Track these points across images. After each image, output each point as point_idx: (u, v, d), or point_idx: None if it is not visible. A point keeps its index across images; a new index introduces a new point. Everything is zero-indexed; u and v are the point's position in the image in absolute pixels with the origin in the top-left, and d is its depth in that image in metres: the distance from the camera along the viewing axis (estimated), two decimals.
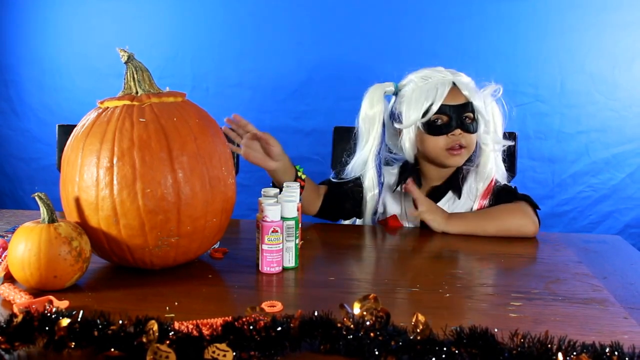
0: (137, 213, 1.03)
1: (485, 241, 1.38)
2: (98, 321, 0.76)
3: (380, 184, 1.55)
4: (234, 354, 0.73)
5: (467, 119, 1.46)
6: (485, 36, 2.39)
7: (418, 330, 0.75)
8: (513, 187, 1.52)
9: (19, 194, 2.79)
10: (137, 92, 1.13)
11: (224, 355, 0.72)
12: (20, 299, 0.96)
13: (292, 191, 1.22)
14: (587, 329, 0.89)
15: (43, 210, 1.02)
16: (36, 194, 1.03)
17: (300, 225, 1.23)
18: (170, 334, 0.74)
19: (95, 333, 0.75)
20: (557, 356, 0.70)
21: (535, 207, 1.45)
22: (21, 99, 2.73)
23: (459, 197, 1.52)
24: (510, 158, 1.70)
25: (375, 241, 1.45)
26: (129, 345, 0.74)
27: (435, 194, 1.54)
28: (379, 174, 1.54)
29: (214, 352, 0.72)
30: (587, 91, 2.37)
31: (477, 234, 1.41)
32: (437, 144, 1.47)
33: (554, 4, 2.34)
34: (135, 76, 1.13)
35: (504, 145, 1.53)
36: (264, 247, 1.11)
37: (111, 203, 1.03)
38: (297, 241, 1.16)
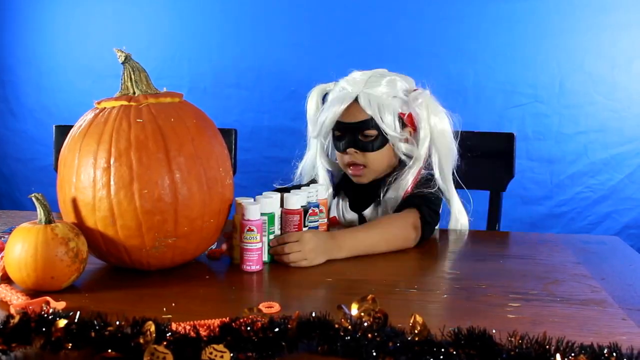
0: (134, 214, 1.03)
1: (484, 242, 1.37)
2: (95, 322, 0.76)
3: (333, 183, 1.50)
4: (232, 355, 0.73)
5: (367, 137, 1.37)
6: (484, 37, 2.39)
7: (416, 331, 0.75)
8: (428, 193, 1.34)
9: (15, 195, 2.79)
10: (134, 93, 1.12)
11: (222, 357, 0.72)
12: (17, 300, 0.96)
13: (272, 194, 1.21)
14: (585, 330, 0.89)
15: (40, 211, 1.02)
16: (33, 194, 1.03)
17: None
18: (168, 335, 0.74)
19: (93, 334, 0.75)
20: (555, 357, 0.70)
21: (429, 214, 1.30)
22: (18, 100, 2.73)
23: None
24: (508, 158, 1.70)
25: None
26: (126, 347, 0.74)
27: (362, 205, 1.47)
28: (330, 173, 1.50)
29: (211, 353, 0.72)
30: (586, 92, 2.37)
31: (368, 253, 1.23)
32: (340, 159, 1.44)
33: (553, 4, 2.34)
34: (133, 77, 1.13)
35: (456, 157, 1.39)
36: (243, 245, 1.13)
37: (108, 204, 1.03)
38: (271, 237, 1.17)
